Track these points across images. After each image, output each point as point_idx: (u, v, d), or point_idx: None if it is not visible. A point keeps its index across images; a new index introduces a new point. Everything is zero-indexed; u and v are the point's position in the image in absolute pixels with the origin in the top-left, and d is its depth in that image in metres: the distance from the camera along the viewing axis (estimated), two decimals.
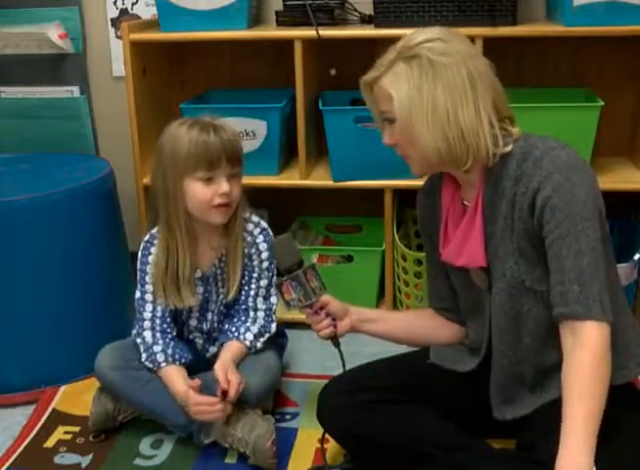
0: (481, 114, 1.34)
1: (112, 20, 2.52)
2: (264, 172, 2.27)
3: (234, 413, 1.70)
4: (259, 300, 1.84)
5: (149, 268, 1.79)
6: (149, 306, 1.81)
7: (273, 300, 1.84)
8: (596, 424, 1.22)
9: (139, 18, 2.46)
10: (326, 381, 1.64)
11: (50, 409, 1.94)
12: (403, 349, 1.72)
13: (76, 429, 1.85)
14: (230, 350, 1.79)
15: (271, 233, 1.85)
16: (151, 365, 1.77)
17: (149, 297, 1.80)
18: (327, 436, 1.63)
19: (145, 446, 1.78)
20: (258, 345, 1.82)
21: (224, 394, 1.65)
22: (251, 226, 1.82)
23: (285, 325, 1.96)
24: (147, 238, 1.82)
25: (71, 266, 2.03)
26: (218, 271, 1.82)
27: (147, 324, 1.80)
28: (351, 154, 2.17)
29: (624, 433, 1.30)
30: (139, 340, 1.79)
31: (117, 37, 2.51)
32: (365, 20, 2.25)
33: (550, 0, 2.24)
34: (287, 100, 2.24)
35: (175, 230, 1.73)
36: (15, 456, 1.76)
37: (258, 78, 2.46)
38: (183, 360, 1.79)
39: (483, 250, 1.44)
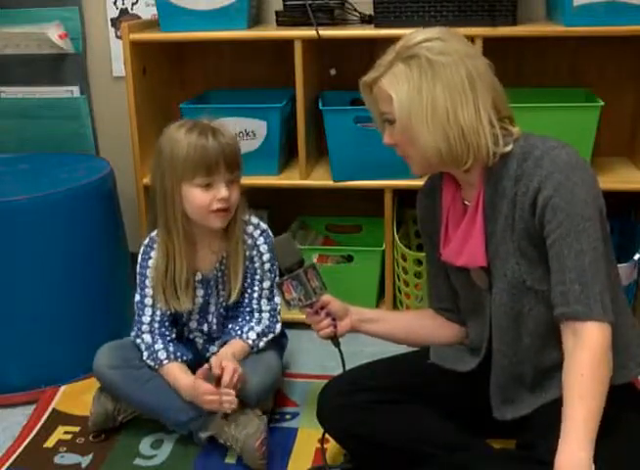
0: (481, 113, 1.34)
1: (112, 20, 2.52)
2: (264, 172, 2.27)
3: (233, 411, 1.71)
4: (263, 301, 1.84)
5: (149, 272, 1.80)
6: (148, 310, 1.81)
7: (277, 300, 1.85)
8: (596, 423, 1.22)
9: (139, 18, 2.46)
10: (326, 381, 1.64)
11: (50, 409, 1.94)
12: (403, 349, 1.72)
13: (76, 429, 1.85)
14: (231, 346, 1.79)
15: (271, 234, 1.85)
16: (152, 363, 1.77)
17: (148, 301, 1.81)
18: (327, 436, 1.63)
19: (145, 446, 1.78)
20: (261, 344, 1.82)
21: (218, 380, 1.65)
22: (250, 228, 1.83)
23: (285, 325, 1.96)
24: (146, 242, 1.82)
25: (71, 266, 2.03)
26: (219, 274, 1.82)
27: (145, 328, 1.80)
28: (351, 154, 2.17)
29: (624, 432, 1.30)
30: (138, 340, 1.80)
31: (117, 37, 2.51)
32: (365, 20, 2.25)
33: (550, 0, 2.24)
34: (287, 100, 2.24)
35: (173, 233, 1.73)
36: (15, 456, 1.76)
37: (258, 78, 2.46)
38: (185, 358, 1.80)
39: (484, 249, 1.44)
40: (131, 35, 2.16)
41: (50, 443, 1.81)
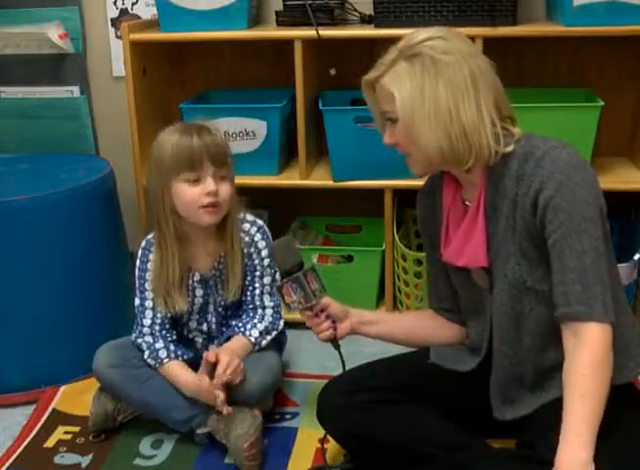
0: (483, 112, 1.34)
1: (112, 20, 2.52)
2: (264, 172, 2.27)
3: (231, 409, 1.71)
4: (266, 297, 1.84)
5: (148, 275, 1.80)
6: (149, 313, 1.82)
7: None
8: (596, 423, 1.22)
9: (139, 18, 2.46)
10: (326, 381, 1.64)
11: (50, 409, 1.94)
12: (403, 349, 1.72)
13: (76, 429, 1.85)
14: (233, 342, 1.80)
15: (268, 230, 1.86)
16: (153, 362, 1.78)
17: (149, 303, 1.81)
18: (327, 436, 1.63)
19: (145, 446, 1.78)
20: (263, 342, 1.83)
21: (212, 371, 1.67)
22: (247, 226, 1.83)
23: (285, 325, 1.96)
24: (143, 244, 1.83)
25: (71, 266, 2.03)
26: (217, 274, 1.82)
27: (147, 330, 1.81)
28: (351, 154, 2.17)
29: (624, 432, 1.30)
30: (140, 341, 1.80)
31: (117, 37, 2.51)
32: (365, 20, 2.25)
33: (550, 0, 2.24)
34: (287, 100, 2.24)
35: (165, 232, 1.75)
36: (15, 456, 1.76)
37: (258, 78, 2.46)
38: (185, 357, 1.81)
39: (485, 250, 1.44)
40: (131, 35, 2.16)
41: (50, 443, 1.81)
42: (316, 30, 2.08)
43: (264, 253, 1.83)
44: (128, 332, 1.88)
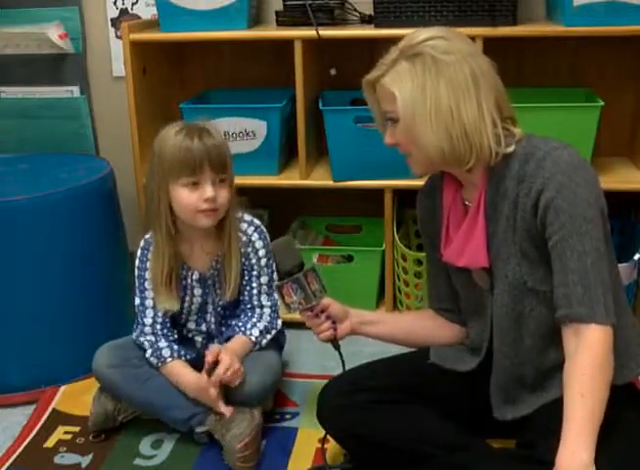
0: (484, 112, 1.34)
1: (112, 20, 2.52)
2: (264, 172, 2.27)
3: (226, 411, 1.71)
4: (263, 297, 1.84)
5: (147, 274, 1.80)
6: (149, 313, 1.82)
7: (276, 295, 1.85)
8: (597, 424, 1.22)
9: (139, 18, 2.46)
10: (326, 381, 1.64)
11: (50, 409, 1.94)
12: (403, 349, 1.71)
13: (76, 429, 1.85)
14: (234, 341, 1.80)
15: (265, 230, 1.86)
16: (155, 361, 1.78)
17: (149, 303, 1.82)
18: (327, 436, 1.63)
19: (145, 446, 1.78)
20: (264, 342, 1.83)
21: (210, 370, 1.67)
22: (244, 225, 1.83)
23: (284, 325, 1.96)
24: (142, 244, 1.83)
25: (71, 266, 2.03)
26: (215, 273, 1.82)
27: (148, 330, 1.81)
28: (351, 154, 2.17)
29: (624, 432, 1.30)
30: (142, 339, 1.80)
31: (117, 37, 2.51)
32: (365, 20, 2.25)
33: (550, 0, 2.24)
34: (287, 100, 2.24)
35: (157, 230, 1.75)
36: (15, 456, 1.76)
37: (258, 78, 2.46)
38: (188, 356, 1.81)
39: (486, 250, 1.44)
40: (131, 35, 2.16)
41: (50, 443, 1.81)
42: (316, 30, 2.08)
43: (261, 252, 1.83)
44: (128, 332, 1.87)
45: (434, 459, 1.46)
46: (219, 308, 1.87)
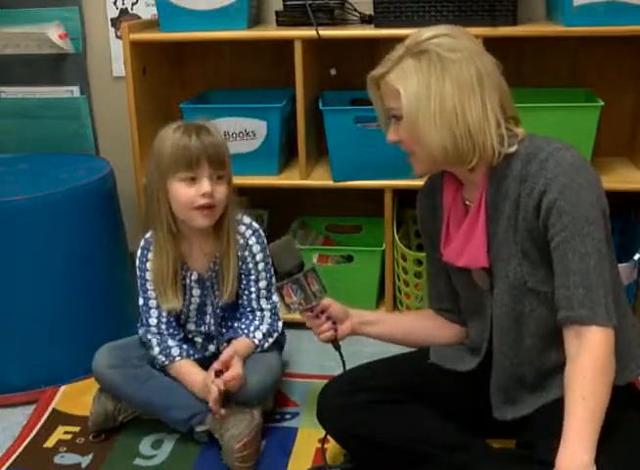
0: (489, 112, 1.34)
1: (112, 20, 2.52)
2: (264, 172, 2.27)
3: (230, 408, 1.71)
4: (262, 301, 1.85)
5: (148, 275, 1.81)
6: (154, 312, 1.83)
7: (275, 298, 1.85)
8: (598, 425, 1.22)
9: (139, 18, 2.46)
10: (326, 381, 1.64)
11: (50, 409, 1.94)
12: (403, 349, 1.72)
13: (76, 429, 1.85)
14: (239, 344, 1.79)
15: (263, 234, 1.85)
16: (164, 359, 1.79)
17: (152, 303, 1.82)
18: (327, 436, 1.63)
19: (145, 446, 1.78)
20: (266, 345, 1.83)
21: (217, 373, 1.67)
22: (242, 228, 1.83)
23: (284, 325, 1.96)
24: (142, 244, 1.83)
25: (71, 266, 2.03)
26: (214, 274, 1.82)
27: (154, 330, 1.82)
28: (351, 154, 2.17)
29: (625, 433, 1.30)
30: (149, 336, 1.81)
31: (117, 37, 2.51)
32: (365, 20, 2.25)
33: (550, 0, 2.24)
34: (287, 100, 2.24)
35: (158, 229, 1.76)
36: (15, 456, 1.76)
37: (258, 78, 2.46)
38: (197, 356, 1.83)
39: (486, 250, 1.44)
40: (131, 35, 2.16)
41: (50, 443, 1.81)
42: (316, 30, 2.08)
43: (259, 257, 1.82)
44: (128, 332, 1.87)
45: (434, 459, 1.46)
46: (218, 310, 1.87)
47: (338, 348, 1.62)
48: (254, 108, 2.21)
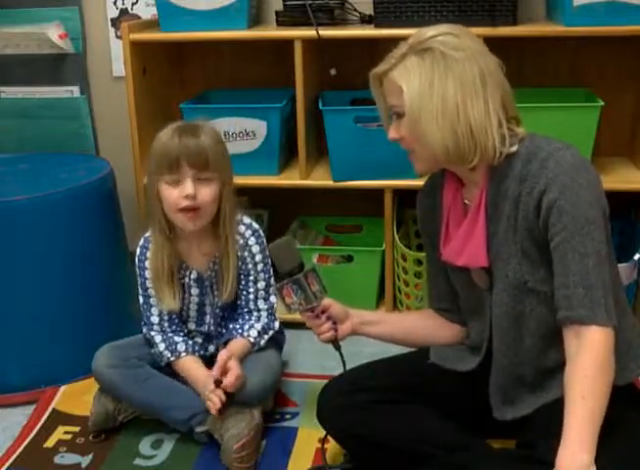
0: (491, 111, 1.34)
1: (112, 20, 2.52)
2: (264, 172, 2.27)
3: (230, 408, 1.71)
4: (260, 301, 1.84)
5: (147, 273, 1.81)
6: (155, 311, 1.84)
7: (273, 299, 1.85)
8: (597, 424, 1.22)
9: (139, 18, 2.46)
10: (326, 381, 1.64)
11: (50, 409, 1.94)
12: (403, 349, 1.72)
13: (76, 429, 1.85)
14: (234, 345, 1.80)
15: (262, 235, 1.85)
16: (169, 355, 1.80)
17: (153, 301, 1.83)
18: (327, 436, 1.63)
19: (145, 446, 1.78)
20: (262, 342, 1.83)
21: (217, 382, 1.66)
22: (242, 228, 1.82)
23: (284, 325, 1.96)
24: (141, 243, 1.84)
25: (71, 266, 2.03)
26: (213, 274, 1.82)
27: (157, 328, 1.83)
28: (351, 154, 2.17)
29: (625, 433, 1.30)
30: (153, 333, 1.82)
31: (117, 37, 2.51)
32: (365, 20, 2.25)
33: (550, 0, 2.24)
34: (287, 100, 2.24)
35: (155, 227, 1.77)
36: (15, 456, 1.76)
37: (258, 78, 2.46)
38: (202, 352, 1.84)
39: (486, 250, 1.44)
40: (131, 35, 2.16)
41: (50, 443, 1.81)
42: (316, 30, 2.08)
43: (258, 257, 1.82)
44: (128, 332, 1.87)
45: (434, 459, 1.46)
46: (217, 310, 1.87)
47: (338, 348, 1.62)
48: (254, 108, 2.21)
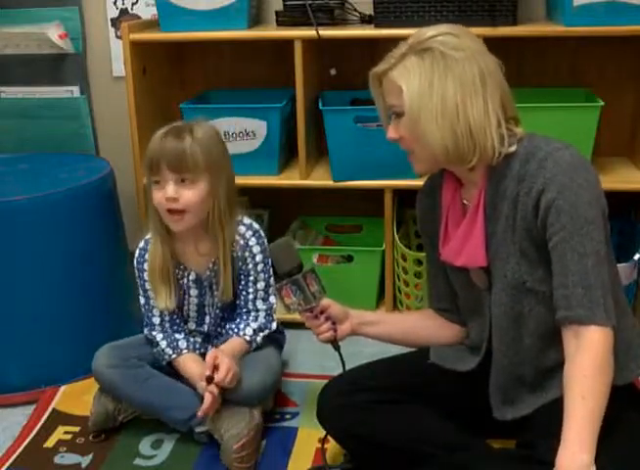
0: (490, 112, 1.34)
1: (112, 20, 2.52)
2: (264, 172, 2.27)
3: (230, 408, 1.71)
4: (259, 302, 1.84)
5: (146, 275, 1.81)
6: (156, 311, 1.84)
7: (272, 299, 1.85)
8: (597, 424, 1.22)
9: (139, 18, 2.46)
10: (326, 381, 1.64)
11: (50, 409, 1.94)
12: (403, 349, 1.72)
13: (76, 429, 1.85)
14: (229, 343, 1.80)
15: (263, 235, 1.85)
16: (171, 352, 1.80)
17: (154, 302, 1.82)
18: (327, 436, 1.63)
19: (145, 446, 1.78)
20: (258, 339, 1.83)
21: (209, 379, 1.66)
22: (243, 229, 1.82)
23: (284, 325, 1.96)
24: (141, 245, 1.84)
25: (71, 266, 2.03)
26: (213, 274, 1.82)
27: (158, 328, 1.83)
28: (351, 154, 2.17)
29: (625, 433, 1.30)
30: (154, 333, 1.83)
31: (117, 37, 2.51)
32: (365, 20, 2.25)
33: (550, 0, 2.24)
34: (287, 100, 2.24)
35: (152, 231, 1.78)
36: (15, 456, 1.76)
37: (258, 78, 2.46)
38: (202, 351, 1.84)
39: (484, 250, 1.44)
40: (131, 35, 2.16)
41: (50, 443, 1.81)
42: (316, 30, 2.08)
43: (258, 258, 1.82)
44: (128, 332, 1.87)
45: (433, 459, 1.46)
46: (218, 311, 1.87)
47: (337, 348, 1.62)
48: (254, 108, 2.21)
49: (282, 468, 1.68)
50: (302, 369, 2.10)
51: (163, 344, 1.81)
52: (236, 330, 1.83)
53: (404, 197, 2.27)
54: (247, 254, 1.81)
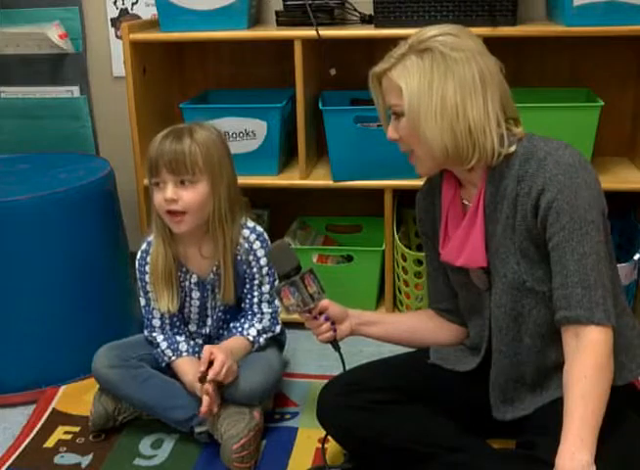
0: (490, 112, 1.34)
1: (112, 20, 2.52)
2: (264, 172, 2.27)
3: (230, 408, 1.71)
4: (264, 305, 1.84)
5: (147, 277, 1.81)
6: (157, 313, 1.84)
7: (277, 303, 1.85)
8: (597, 424, 1.22)
9: (139, 18, 2.46)
10: (326, 381, 1.64)
11: (50, 409, 1.94)
12: (403, 349, 1.72)
13: (76, 429, 1.85)
14: (229, 340, 1.81)
15: (267, 237, 1.84)
16: (171, 354, 1.80)
17: (155, 304, 1.82)
18: (327, 436, 1.63)
19: (145, 446, 1.78)
20: (261, 340, 1.83)
21: (203, 376, 1.66)
22: (246, 232, 1.82)
23: (284, 325, 1.96)
24: (143, 247, 1.84)
25: (71, 266, 2.03)
26: (216, 277, 1.82)
27: (158, 330, 1.84)
28: (351, 154, 2.17)
29: (625, 433, 1.30)
30: (154, 334, 1.83)
31: (117, 37, 2.51)
32: (365, 20, 2.25)
33: (550, 0, 2.24)
34: (287, 100, 2.24)
35: (155, 232, 1.78)
36: (15, 456, 1.76)
37: (258, 78, 2.46)
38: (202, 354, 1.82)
39: (484, 250, 1.44)
40: (131, 35, 2.16)
41: (50, 443, 1.81)
42: (316, 30, 2.08)
43: (263, 261, 1.82)
44: (128, 332, 1.87)
45: (433, 459, 1.46)
46: (220, 313, 1.87)
47: (337, 348, 1.62)
48: (254, 108, 2.21)
49: (282, 468, 1.68)
50: (303, 369, 2.10)
51: (164, 345, 1.81)
52: (240, 329, 1.83)
53: (404, 197, 2.27)
54: (251, 257, 1.81)
